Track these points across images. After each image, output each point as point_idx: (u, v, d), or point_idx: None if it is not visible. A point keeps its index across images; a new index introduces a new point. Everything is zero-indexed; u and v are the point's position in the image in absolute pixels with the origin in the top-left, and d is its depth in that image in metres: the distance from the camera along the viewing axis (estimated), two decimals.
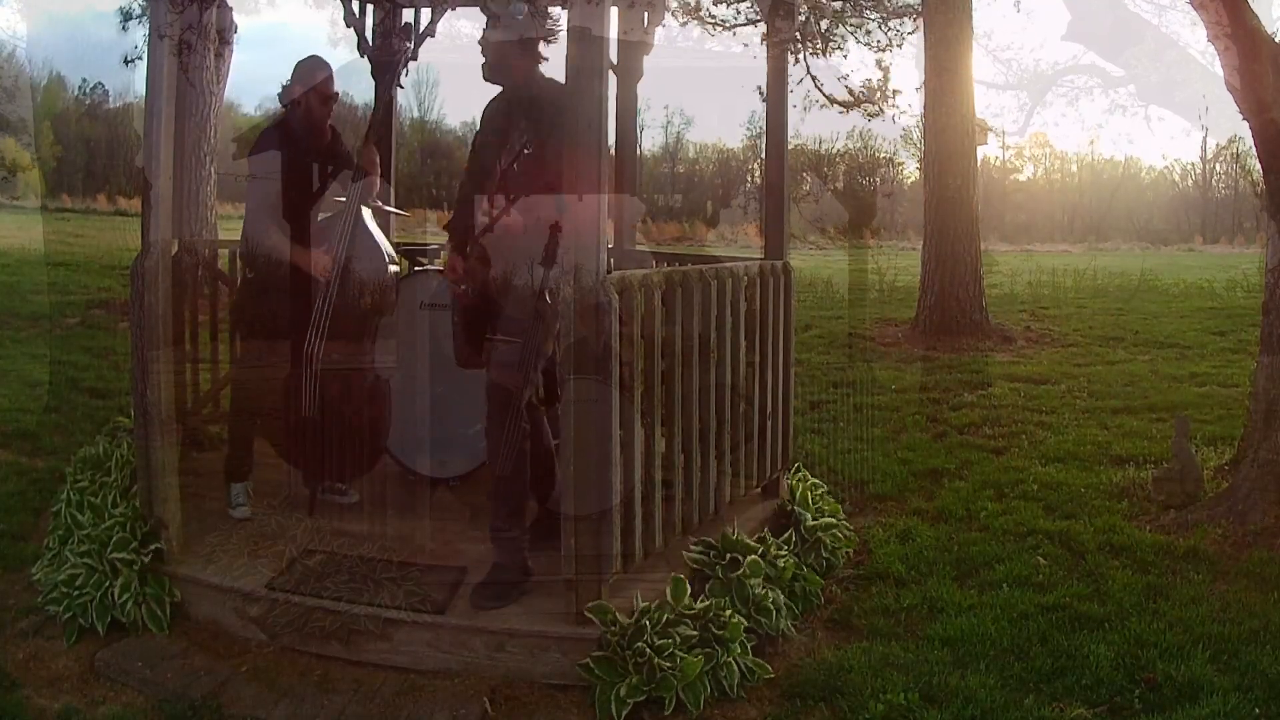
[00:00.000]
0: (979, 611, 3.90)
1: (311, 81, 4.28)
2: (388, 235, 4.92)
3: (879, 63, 15.60)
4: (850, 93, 15.97)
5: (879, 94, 15.97)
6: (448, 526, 4.21)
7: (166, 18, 3.65)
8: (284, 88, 4.32)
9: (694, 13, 14.05)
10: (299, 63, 4.33)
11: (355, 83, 5.24)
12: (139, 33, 11.70)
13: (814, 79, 15.59)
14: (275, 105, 4.59)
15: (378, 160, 4.43)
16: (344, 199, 4.33)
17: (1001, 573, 4.27)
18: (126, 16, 11.74)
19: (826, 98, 16.04)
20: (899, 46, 15.00)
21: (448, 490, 4.62)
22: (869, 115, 16.39)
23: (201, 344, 5.32)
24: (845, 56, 16.34)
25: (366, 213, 4.36)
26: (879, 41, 15.12)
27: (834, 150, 35.50)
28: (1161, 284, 16.25)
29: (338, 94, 4.38)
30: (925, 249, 11.34)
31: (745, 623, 3.49)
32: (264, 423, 4.38)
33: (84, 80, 33.32)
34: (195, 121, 10.27)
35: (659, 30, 5.20)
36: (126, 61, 11.56)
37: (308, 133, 4.30)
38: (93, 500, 3.98)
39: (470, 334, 3.83)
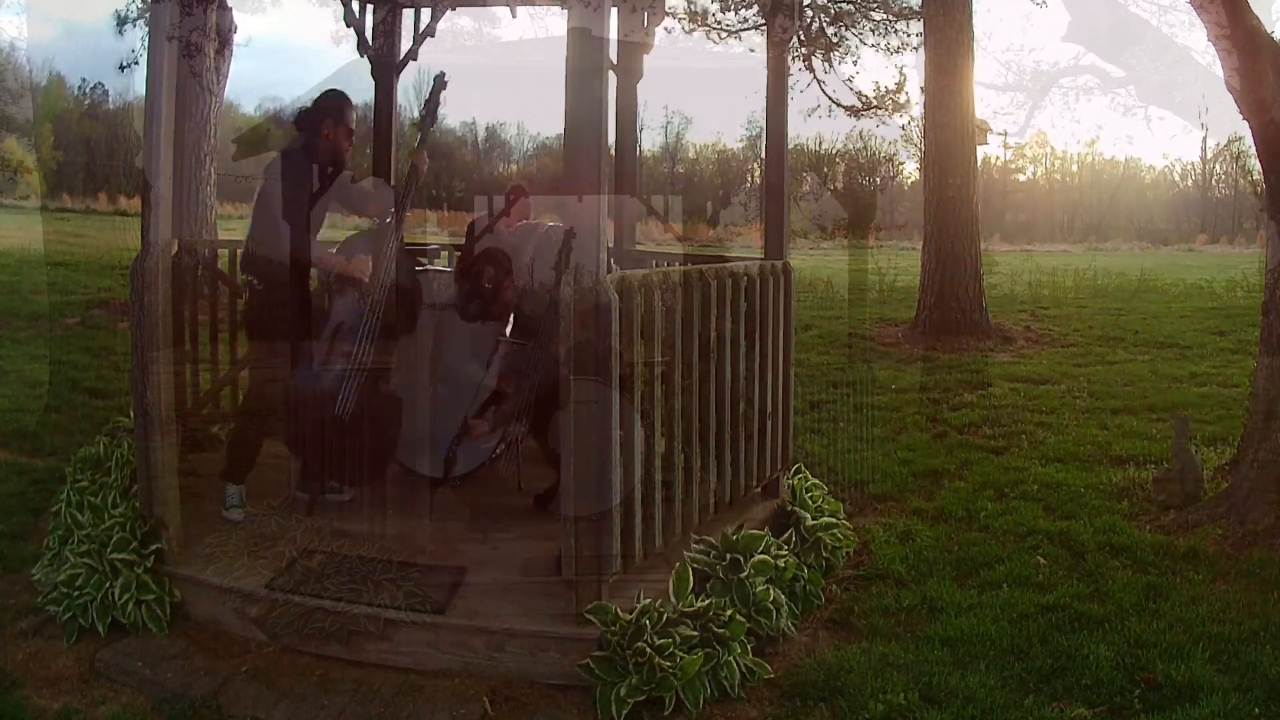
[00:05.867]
0: (979, 611, 3.90)
1: (342, 117, 4.31)
2: None
3: (899, 68, 15.64)
4: (860, 97, 15.97)
5: (890, 100, 15.97)
6: (448, 526, 4.21)
7: (167, 19, 3.65)
8: (304, 113, 4.33)
9: (699, 20, 14.06)
10: (328, 96, 4.35)
11: (355, 83, 5.26)
12: (136, 36, 11.70)
13: (821, 84, 15.60)
14: (275, 106, 4.65)
15: (426, 163, 4.50)
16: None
17: (1001, 573, 4.27)
18: (122, 21, 11.72)
19: (833, 101, 16.05)
20: (915, 49, 15.00)
21: (448, 490, 4.61)
22: (881, 122, 16.41)
23: (201, 344, 5.32)
24: (856, 63, 16.38)
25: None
26: (889, 45, 15.14)
27: (834, 150, 35.55)
28: (1161, 284, 16.25)
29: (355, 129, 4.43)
30: (925, 249, 11.34)
31: (746, 622, 3.49)
32: (272, 426, 4.39)
33: (84, 81, 33.37)
34: (195, 121, 10.29)
35: (659, 30, 5.21)
36: (122, 68, 11.55)
37: (330, 164, 4.33)
38: (93, 500, 3.98)
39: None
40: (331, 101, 4.33)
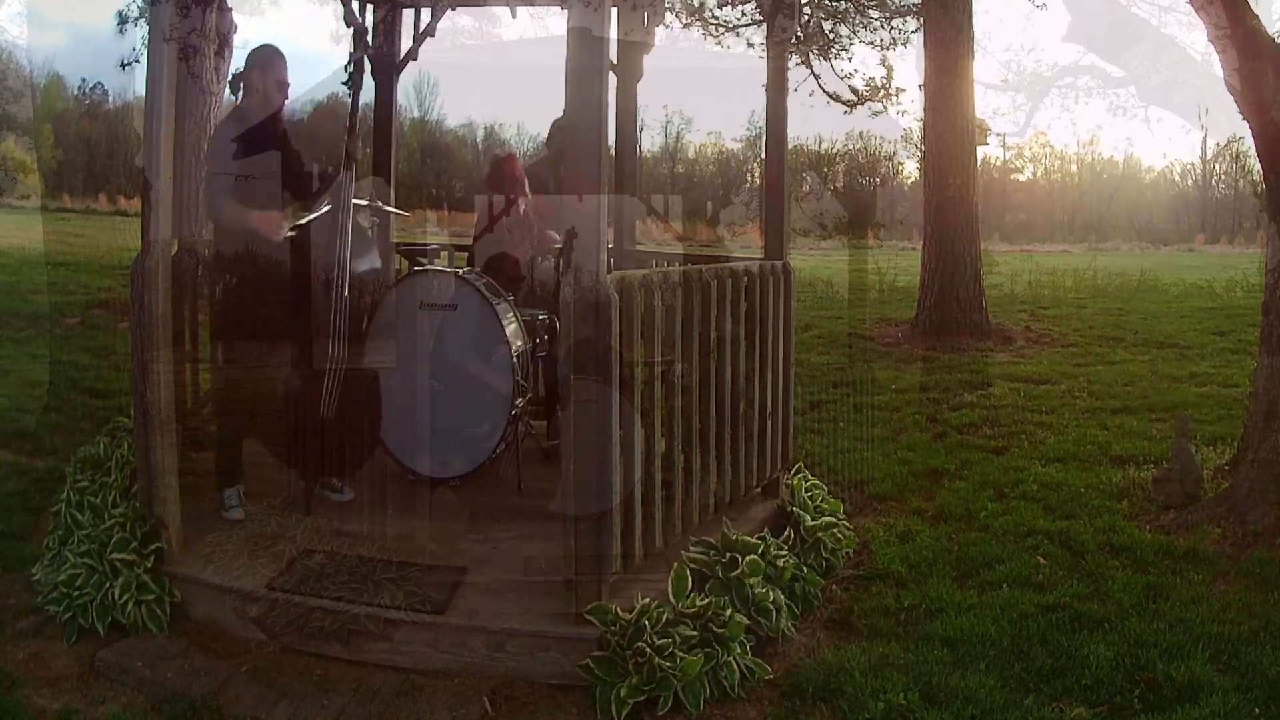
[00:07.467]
0: (979, 611, 3.90)
1: (269, 68, 4.30)
2: (387, 235, 4.93)
3: (883, 60, 15.64)
4: (854, 91, 15.96)
5: (882, 91, 15.96)
6: (448, 526, 4.21)
7: (166, 20, 3.65)
8: (236, 75, 4.35)
9: (698, 13, 14.05)
10: (255, 50, 4.36)
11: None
12: (136, 35, 11.66)
13: (817, 78, 15.59)
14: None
15: (360, 146, 4.47)
16: (331, 199, 4.35)
17: (1001, 573, 4.27)
18: (123, 20, 11.68)
19: (830, 95, 16.04)
20: (904, 45, 14.99)
21: (448, 490, 4.62)
22: (874, 114, 16.38)
23: (201, 344, 5.31)
24: (850, 59, 16.38)
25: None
26: (882, 40, 15.12)
27: (834, 150, 35.55)
28: (1161, 284, 16.23)
29: (289, 82, 4.39)
30: (925, 249, 11.33)
31: (745, 622, 3.49)
32: (255, 423, 4.38)
33: (84, 80, 33.36)
34: (195, 121, 10.25)
35: (659, 30, 5.21)
36: (123, 65, 11.50)
37: (264, 119, 4.31)
38: (93, 500, 3.98)
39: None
40: (257, 55, 4.32)
